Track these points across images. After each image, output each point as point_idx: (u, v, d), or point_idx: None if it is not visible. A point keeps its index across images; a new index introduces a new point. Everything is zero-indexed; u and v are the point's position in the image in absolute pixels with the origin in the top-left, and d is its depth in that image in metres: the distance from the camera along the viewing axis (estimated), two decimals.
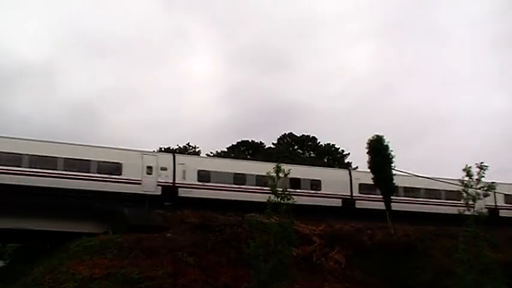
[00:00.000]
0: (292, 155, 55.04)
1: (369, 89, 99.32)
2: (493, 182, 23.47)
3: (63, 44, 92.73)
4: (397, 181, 31.53)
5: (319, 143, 61.54)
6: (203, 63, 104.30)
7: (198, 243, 25.08)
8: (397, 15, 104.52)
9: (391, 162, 31.06)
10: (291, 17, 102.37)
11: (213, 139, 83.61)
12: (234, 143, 60.50)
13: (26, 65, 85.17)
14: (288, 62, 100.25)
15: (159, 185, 29.76)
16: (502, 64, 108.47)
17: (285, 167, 21.71)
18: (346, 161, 60.13)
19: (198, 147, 58.86)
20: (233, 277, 23.27)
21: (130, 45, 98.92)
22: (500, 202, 36.28)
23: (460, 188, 24.31)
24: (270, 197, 20.89)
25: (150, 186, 29.54)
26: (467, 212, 22.19)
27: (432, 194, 35.66)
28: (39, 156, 27.48)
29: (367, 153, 31.50)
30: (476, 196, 22.25)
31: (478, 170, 22.65)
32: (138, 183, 29.36)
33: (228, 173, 31.42)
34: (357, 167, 53.38)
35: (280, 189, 20.86)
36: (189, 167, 30.62)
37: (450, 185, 31.26)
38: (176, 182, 30.25)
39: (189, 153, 54.64)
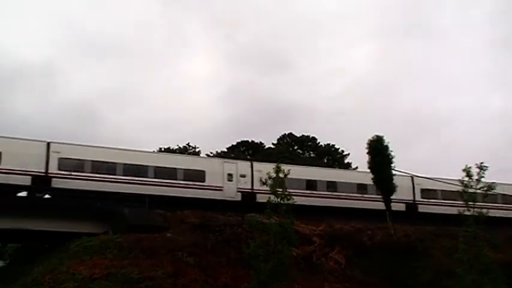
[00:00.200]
0: (292, 155, 55.06)
1: (368, 89, 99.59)
2: (493, 182, 23.44)
3: (63, 44, 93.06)
4: None
5: (319, 143, 61.53)
6: (203, 63, 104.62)
7: (198, 243, 25.08)
8: (397, 16, 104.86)
9: (391, 163, 31.05)
10: (291, 17, 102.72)
11: (213, 139, 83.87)
12: (234, 143, 60.50)
13: (26, 65, 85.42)
14: (288, 62, 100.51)
15: (239, 191, 31.59)
16: (502, 64, 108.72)
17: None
18: (346, 161, 60.20)
19: (198, 147, 58.97)
20: (233, 277, 23.26)
21: (130, 45, 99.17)
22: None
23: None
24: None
25: (231, 192, 31.36)
26: (467, 212, 22.21)
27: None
28: (131, 164, 29.54)
29: (367, 153, 31.47)
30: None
31: (477, 170, 22.70)
32: (220, 189, 31.06)
33: (300, 179, 31.91)
34: (356, 167, 53.55)
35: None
36: (265, 174, 31.65)
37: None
38: (254, 188, 31.74)
39: (189, 154, 54.66)
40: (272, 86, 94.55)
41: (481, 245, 21.57)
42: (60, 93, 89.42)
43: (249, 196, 31.45)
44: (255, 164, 34.12)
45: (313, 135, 61.67)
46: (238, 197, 31.42)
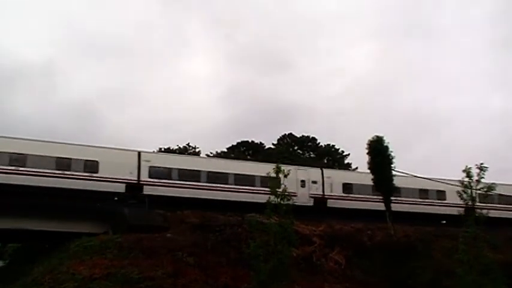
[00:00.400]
0: (292, 156, 55.07)
1: (368, 89, 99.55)
2: (493, 183, 23.43)
3: (63, 44, 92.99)
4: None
5: (319, 143, 61.53)
6: (203, 63, 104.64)
7: (198, 243, 25.07)
8: (397, 16, 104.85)
9: (391, 163, 31.02)
10: (291, 17, 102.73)
11: (213, 139, 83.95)
12: (234, 144, 60.51)
13: (26, 65, 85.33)
14: (287, 62, 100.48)
15: (311, 197, 32.78)
16: (502, 64, 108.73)
17: None
18: (346, 161, 60.20)
19: (198, 148, 58.97)
20: (233, 277, 23.25)
21: (130, 45, 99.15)
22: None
23: None
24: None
25: (304, 198, 32.12)
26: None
27: None
28: (214, 172, 31.39)
29: (367, 153, 31.44)
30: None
31: (478, 171, 22.71)
32: (293, 195, 31.16)
33: (365, 185, 33.17)
34: (356, 168, 53.57)
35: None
36: (335, 180, 33.31)
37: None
38: (325, 194, 33.31)
39: (189, 154, 54.68)
40: (272, 86, 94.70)
41: (481, 246, 21.58)
42: (60, 93, 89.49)
43: (320, 201, 32.77)
44: (325, 170, 35.80)
45: (313, 136, 61.79)
46: (311, 203, 32.63)
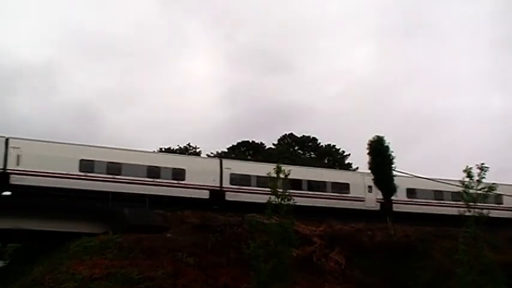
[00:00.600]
0: (293, 156, 55.04)
1: (369, 89, 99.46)
2: (493, 183, 23.39)
3: (63, 44, 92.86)
4: None
5: (319, 143, 61.51)
6: (203, 64, 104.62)
7: (198, 244, 25.06)
8: (397, 16, 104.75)
9: (392, 163, 31.05)
10: (291, 17, 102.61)
11: (213, 139, 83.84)
12: (234, 144, 60.51)
13: (26, 65, 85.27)
14: (288, 62, 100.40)
15: (378, 202, 33.92)
16: (502, 64, 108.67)
17: None
18: (346, 161, 60.18)
19: (198, 148, 58.96)
20: (233, 277, 23.26)
21: (130, 45, 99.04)
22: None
23: None
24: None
25: (371, 202, 34.26)
26: (467, 213, 22.19)
27: None
28: (291, 179, 30.96)
29: (368, 154, 31.54)
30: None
31: (478, 171, 22.68)
32: (362, 200, 34.38)
33: (429, 190, 35.36)
34: (357, 168, 53.55)
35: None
36: (400, 185, 33.41)
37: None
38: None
39: (189, 154, 54.63)
40: (272, 86, 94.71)
41: (481, 246, 21.56)
42: (60, 93, 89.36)
43: (386, 206, 33.03)
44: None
45: (314, 136, 61.79)
46: (377, 207, 33.91)
